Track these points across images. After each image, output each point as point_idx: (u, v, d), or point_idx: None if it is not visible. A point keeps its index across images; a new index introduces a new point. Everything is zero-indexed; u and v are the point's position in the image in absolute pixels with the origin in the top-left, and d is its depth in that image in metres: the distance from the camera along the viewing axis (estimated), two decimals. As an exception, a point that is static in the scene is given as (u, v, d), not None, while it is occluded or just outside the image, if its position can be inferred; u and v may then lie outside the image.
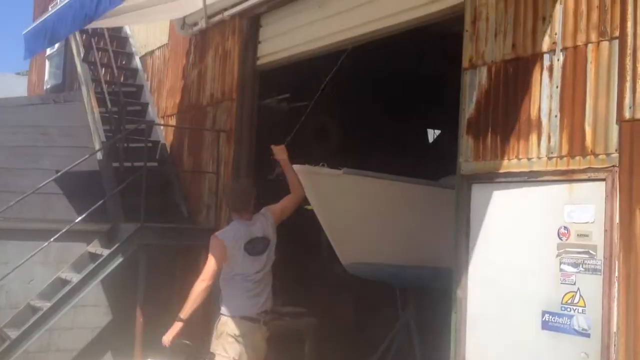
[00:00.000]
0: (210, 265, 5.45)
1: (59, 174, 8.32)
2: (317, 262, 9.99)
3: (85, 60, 10.92)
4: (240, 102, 8.30)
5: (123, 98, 10.17)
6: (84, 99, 10.78)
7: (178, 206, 9.24)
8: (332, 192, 6.41)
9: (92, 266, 7.75)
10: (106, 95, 10.13)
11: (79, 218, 7.92)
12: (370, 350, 8.05)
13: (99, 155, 9.53)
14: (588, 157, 4.31)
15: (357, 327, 9.69)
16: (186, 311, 5.38)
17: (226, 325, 5.45)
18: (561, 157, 4.47)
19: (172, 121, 10.03)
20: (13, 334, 7.36)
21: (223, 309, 5.54)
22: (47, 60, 15.35)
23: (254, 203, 5.81)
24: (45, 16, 7.62)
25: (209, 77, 9.08)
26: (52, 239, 7.69)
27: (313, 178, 6.31)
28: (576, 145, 4.39)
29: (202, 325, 7.21)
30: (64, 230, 7.75)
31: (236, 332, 5.41)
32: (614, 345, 4.01)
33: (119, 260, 7.87)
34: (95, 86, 10.59)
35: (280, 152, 6.03)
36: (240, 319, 5.44)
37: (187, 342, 5.31)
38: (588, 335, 4.15)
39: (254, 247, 5.60)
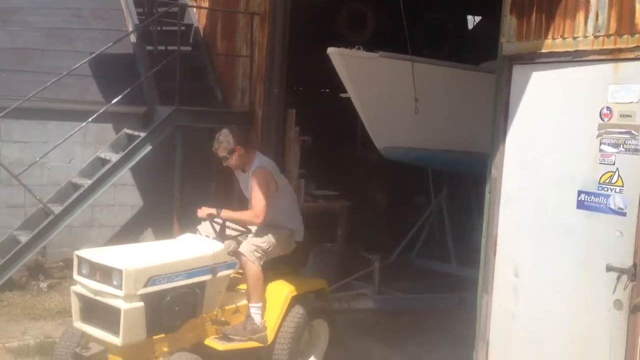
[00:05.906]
0: (264, 199, 5.28)
1: (93, 55, 8.30)
2: (352, 149, 10.04)
3: (116, -60, 10.64)
4: (275, -16, 8.10)
5: (155, -20, 9.98)
6: (116, -20, 10.60)
7: (212, 90, 9.24)
8: (367, 75, 6.33)
9: (130, 147, 7.87)
10: (138, -23, 9.95)
11: (116, 99, 7.96)
12: (403, 234, 8.20)
13: (133, 39, 9.47)
14: (636, 35, 4.17)
15: (390, 212, 9.82)
16: (227, 215, 5.35)
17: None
18: (608, 36, 4.33)
19: (205, 4, 9.86)
20: (57, 209, 7.59)
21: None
22: (77, -57, 15.00)
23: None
24: None
25: (243, -43, 8.84)
26: (89, 120, 7.77)
27: (349, 61, 6.22)
28: (625, 23, 4.24)
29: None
30: (101, 111, 7.83)
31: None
32: (650, 223, 4.01)
33: (155, 141, 7.97)
34: (127, -32, 10.38)
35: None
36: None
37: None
38: (624, 214, 4.15)
39: None
